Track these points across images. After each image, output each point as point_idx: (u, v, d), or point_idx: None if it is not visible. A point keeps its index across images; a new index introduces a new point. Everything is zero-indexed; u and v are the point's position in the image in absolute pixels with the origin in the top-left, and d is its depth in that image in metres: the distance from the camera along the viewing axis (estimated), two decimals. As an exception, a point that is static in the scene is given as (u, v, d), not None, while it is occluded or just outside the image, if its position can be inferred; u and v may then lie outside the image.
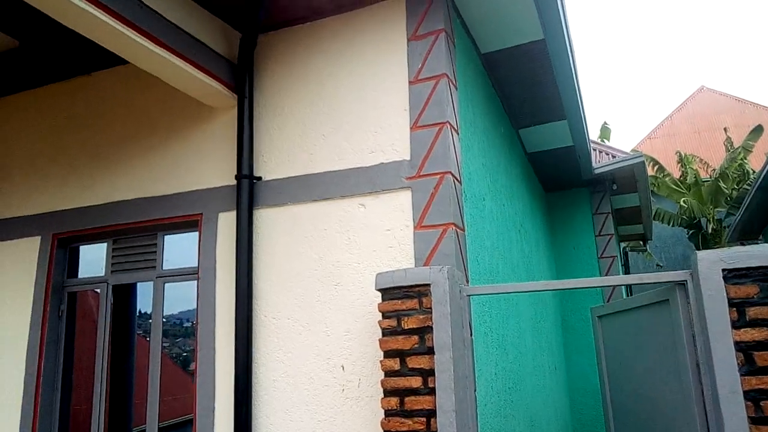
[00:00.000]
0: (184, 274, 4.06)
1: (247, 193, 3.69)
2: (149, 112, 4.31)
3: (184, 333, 5.65)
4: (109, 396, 4.20)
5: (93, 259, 4.47)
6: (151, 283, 4.15)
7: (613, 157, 9.08)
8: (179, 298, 4.53)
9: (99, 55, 3.99)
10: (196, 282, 3.90)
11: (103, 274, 4.33)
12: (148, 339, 4.92)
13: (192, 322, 5.06)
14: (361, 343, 3.34)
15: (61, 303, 4.36)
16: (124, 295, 4.55)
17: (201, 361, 3.68)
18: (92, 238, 4.38)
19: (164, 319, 4.79)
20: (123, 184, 4.25)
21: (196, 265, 3.93)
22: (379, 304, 2.97)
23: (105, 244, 4.37)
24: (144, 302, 4.63)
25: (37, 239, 4.42)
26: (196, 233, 3.99)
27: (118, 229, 4.21)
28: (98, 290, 4.35)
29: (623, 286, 8.07)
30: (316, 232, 3.59)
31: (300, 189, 3.68)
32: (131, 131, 4.34)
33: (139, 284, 4.49)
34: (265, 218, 3.74)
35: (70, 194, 4.40)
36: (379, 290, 2.97)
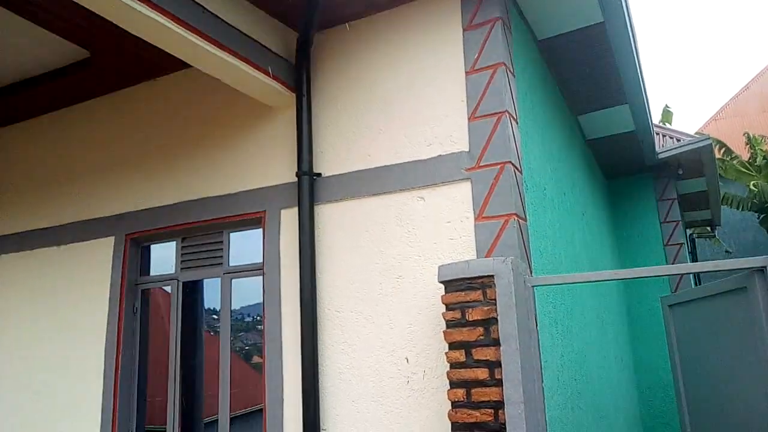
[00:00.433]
0: (249, 270, 4.17)
1: (308, 189, 3.76)
2: (212, 114, 4.45)
3: (245, 328, 5.80)
4: (181, 388, 4.38)
5: (163, 258, 4.67)
6: (219, 279, 4.29)
7: (678, 140, 8.73)
8: (241, 294, 4.67)
9: (163, 60, 4.14)
10: (261, 277, 4.02)
11: (173, 271, 4.51)
12: (212, 333, 5.11)
13: (253, 317, 5.21)
14: (425, 335, 3.35)
15: (135, 300, 4.57)
16: (192, 291, 4.72)
17: (268, 354, 3.79)
18: (162, 237, 4.57)
19: (216, 313, 4.95)
20: (190, 184, 4.40)
21: (261, 260, 4.03)
22: (442, 296, 2.97)
23: (174, 243, 4.54)
24: (210, 298, 4.80)
25: (111, 239, 4.64)
26: (260, 230, 4.10)
27: (186, 227, 4.37)
28: (166, 288, 4.54)
29: (691, 275, 7.77)
30: (375, 226, 3.63)
31: (359, 184, 3.72)
32: (195, 133, 4.49)
33: (205, 281, 4.67)
34: (326, 213, 3.80)
35: (141, 196, 4.59)
36: (442, 282, 2.98)
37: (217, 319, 5.72)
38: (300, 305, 3.65)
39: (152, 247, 4.74)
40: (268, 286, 3.90)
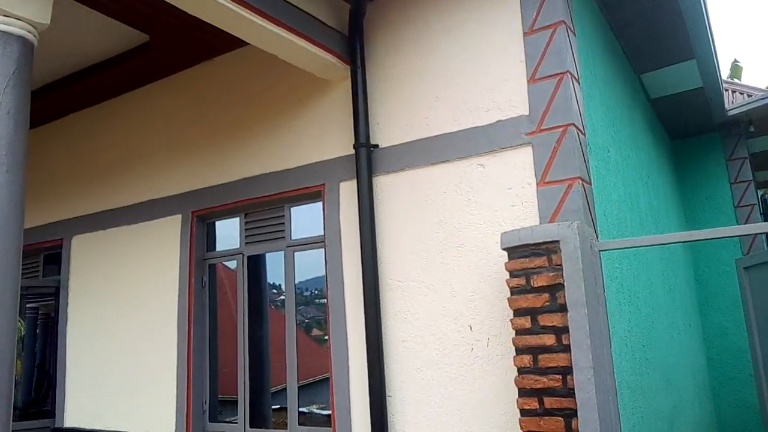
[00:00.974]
0: (311, 243, 4.25)
1: (365, 161, 3.77)
2: (268, 91, 4.50)
3: (304, 301, 5.91)
4: (250, 359, 4.54)
5: (228, 233, 4.81)
6: (282, 252, 4.39)
7: (748, 96, 8.25)
8: (301, 269, 4.76)
9: (218, 40, 4.21)
10: (322, 250, 4.09)
11: (238, 246, 4.65)
12: (273, 307, 5.25)
13: (311, 291, 5.30)
14: (488, 303, 3.34)
15: (203, 274, 4.74)
16: (256, 265, 4.85)
17: (333, 323, 3.87)
18: (226, 213, 4.70)
19: (277, 288, 5.06)
20: (250, 161, 4.49)
21: (322, 233, 4.10)
22: (505, 263, 2.95)
23: (238, 219, 4.67)
24: (272, 272, 4.92)
25: (179, 217, 4.81)
26: (320, 203, 4.16)
27: (249, 203, 4.47)
28: (229, 264, 4.68)
29: (764, 237, 7.38)
30: (435, 196, 3.61)
31: (416, 153, 3.70)
32: (253, 110, 4.57)
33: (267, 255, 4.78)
34: (385, 184, 3.81)
35: (205, 174, 4.73)
36: (505, 249, 2.95)
37: (277, 294, 5.88)
38: (362, 276, 3.70)
39: (217, 223, 4.89)
40: (330, 258, 3.97)
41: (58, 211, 5.68)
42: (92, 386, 5.13)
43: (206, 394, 4.58)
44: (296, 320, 4.30)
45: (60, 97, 5.42)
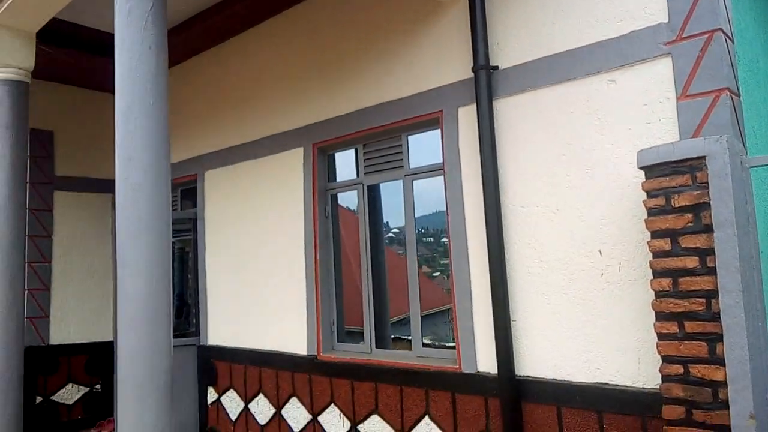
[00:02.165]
0: (430, 171, 4.25)
1: (485, 84, 3.66)
2: (384, 18, 4.45)
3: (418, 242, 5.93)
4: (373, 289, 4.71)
5: (348, 164, 4.93)
6: (401, 182, 4.44)
7: None
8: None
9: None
10: (441, 178, 4.08)
11: (357, 176, 4.75)
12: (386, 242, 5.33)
13: (419, 230, 5.30)
14: (619, 227, 3.20)
15: (326, 204, 4.92)
16: (373, 197, 4.93)
17: (454, 249, 3.90)
18: (345, 144, 4.80)
19: (385, 225, 5.12)
20: (367, 92, 4.51)
21: (441, 161, 4.08)
22: (642, 182, 2.78)
23: (356, 149, 4.75)
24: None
25: (300, 150, 4.99)
26: (437, 131, 4.12)
27: (367, 134, 4.53)
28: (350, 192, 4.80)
29: None
30: (561, 116, 3.45)
31: (540, 73, 3.52)
32: (368, 40, 4.54)
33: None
34: (506, 107, 3.69)
35: (324, 107, 4.82)
36: (642, 168, 2.78)
37: (387, 231, 5.96)
38: (483, 202, 3.66)
39: (337, 154, 5.01)
40: (450, 185, 3.95)
41: (191, 149, 6.09)
42: (230, 309, 5.60)
43: (333, 316, 4.85)
44: (416, 244, 4.35)
45: (187, 38, 5.67)
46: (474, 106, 3.76)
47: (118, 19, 2.82)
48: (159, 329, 2.72)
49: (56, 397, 6.70)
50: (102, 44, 5.82)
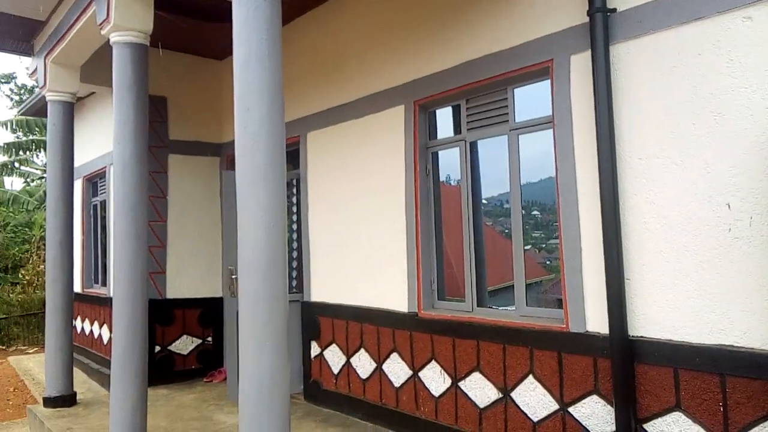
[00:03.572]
0: (537, 125, 4.11)
1: (602, 27, 3.45)
2: (488, -34, 4.29)
3: (506, 213, 5.75)
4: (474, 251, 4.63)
5: (449, 121, 4.86)
6: (505, 137, 4.32)
7: None
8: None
9: None
10: (549, 131, 3.93)
11: (460, 133, 4.68)
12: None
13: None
14: (751, 178, 2.94)
15: (427, 162, 4.89)
16: (473, 157, 4.82)
17: (563, 205, 3.76)
18: (447, 100, 4.73)
19: (485, 201, 4.99)
20: (469, 44, 4.40)
21: (549, 114, 3.92)
22: (785, 125, 2.53)
23: (459, 105, 4.67)
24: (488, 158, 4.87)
25: (401, 107, 4.97)
26: (546, 82, 3.96)
27: (469, 88, 4.43)
28: (453, 148, 4.74)
29: None
30: (687, 59, 3.19)
31: (663, 13, 3.27)
32: (472, -10, 4.41)
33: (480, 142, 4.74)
34: (623, 53, 3.47)
35: (425, 62, 4.76)
36: (785, 110, 2.52)
37: (487, 204, 5.78)
38: (597, 154, 3.49)
39: (438, 111, 4.95)
40: (560, 138, 3.80)
41: (294, 111, 6.23)
42: (331, 266, 5.75)
43: (434, 274, 4.85)
44: (521, 200, 4.24)
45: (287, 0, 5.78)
46: (588, 53, 3.56)
47: (235, -27, 2.90)
48: (276, 274, 2.83)
49: (172, 347, 7.23)
50: (213, 10, 6.06)
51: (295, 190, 6.53)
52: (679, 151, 3.23)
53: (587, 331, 3.62)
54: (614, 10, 3.47)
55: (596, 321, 3.59)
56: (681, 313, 3.21)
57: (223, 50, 7.22)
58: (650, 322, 3.34)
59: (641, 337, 3.37)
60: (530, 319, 4.06)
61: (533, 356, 3.91)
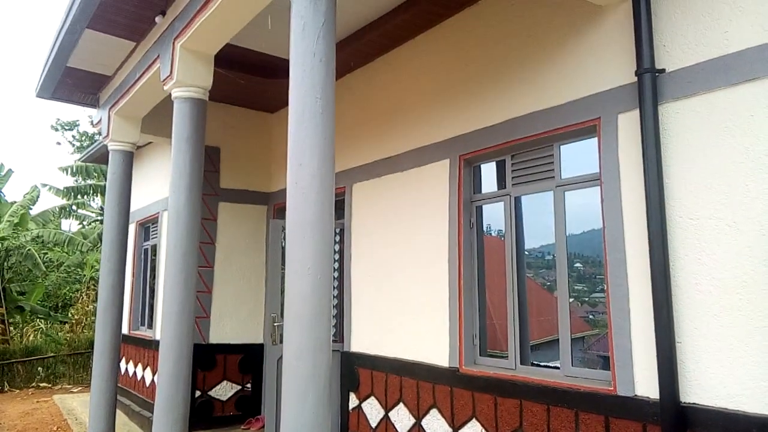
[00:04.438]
0: (583, 182, 4.10)
1: (650, 87, 3.46)
2: (533, 28, 4.40)
3: (547, 265, 5.70)
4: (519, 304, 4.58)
5: (493, 176, 4.89)
6: (551, 193, 4.31)
7: None
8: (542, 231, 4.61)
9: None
10: (596, 188, 3.91)
11: (505, 188, 4.70)
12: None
13: (553, 254, 5.09)
14: (811, 242, 2.85)
15: (471, 216, 4.91)
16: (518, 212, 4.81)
17: (611, 265, 3.70)
18: (492, 155, 4.77)
19: (527, 252, 4.95)
20: (516, 101, 4.47)
21: (596, 171, 3.91)
22: (844, 190, 2.47)
23: (504, 160, 4.71)
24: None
25: (447, 162, 5.04)
26: (593, 139, 3.97)
27: (516, 143, 4.47)
28: (497, 203, 4.74)
29: None
30: (738, 120, 3.17)
31: (714, 74, 3.27)
32: (518, 49, 4.51)
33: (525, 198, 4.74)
34: (672, 113, 3.46)
35: (471, 117, 4.85)
36: (844, 174, 2.46)
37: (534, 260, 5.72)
38: (646, 213, 3.45)
39: (483, 166, 5.00)
40: (607, 196, 3.77)
41: (341, 162, 6.38)
42: (372, 317, 5.75)
43: (476, 329, 4.80)
44: (567, 256, 4.19)
45: (340, 57, 5.98)
46: (636, 113, 3.58)
47: (294, 34, 3.06)
48: (321, 326, 2.86)
49: (213, 393, 7.28)
50: (267, 67, 6.35)
51: (338, 239, 6.61)
52: (732, 212, 3.16)
53: (636, 396, 3.50)
54: (663, 70, 3.50)
55: (646, 385, 3.46)
56: (736, 379, 3.08)
57: (275, 104, 7.53)
58: (703, 388, 3.21)
59: (693, 403, 3.23)
60: (576, 380, 3.94)
61: (579, 419, 3.78)
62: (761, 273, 3.02)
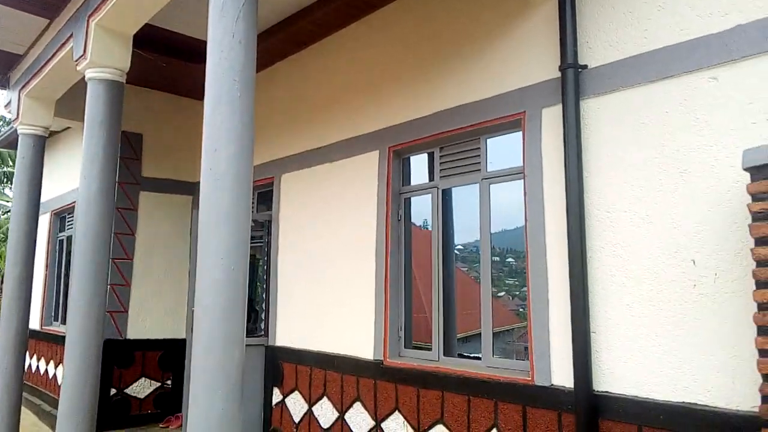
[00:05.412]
0: (508, 175, 4.13)
1: (573, 83, 3.52)
2: (462, 22, 4.40)
3: (479, 259, 5.79)
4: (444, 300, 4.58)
5: (422, 168, 4.87)
6: (477, 185, 4.33)
7: None
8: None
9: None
10: (520, 182, 3.95)
11: (433, 180, 4.68)
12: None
13: (493, 248, 5.15)
14: (717, 234, 2.97)
15: (399, 208, 4.87)
16: (446, 203, 4.84)
17: (532, 256, 3.75)
18: (421, 147, 4.75)
19: (461, 246, 4.98)
20: (445, 94, 4.46)
21: (520, 164, 3.95)
22: (748, 185, 2.55)
23: (433, 152, 4.69)
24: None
25: (376, 153, 4.98)
26: (519, 133, 4.00)
27: (444, 136, 4.46)
28: (425, 195, 4.73)
29: None
30: (654, 117, 3.26)
31: (633, 71, 3.35)
32: (447, 43, 4.50)
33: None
34: (593, 108, 3.53)
35: (401, 109, 4.81)
36: (748, 169, 2.55)
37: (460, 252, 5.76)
38: (566, 207, 3.50)
39: (412, 158, 4.97)
40: (530, 189, 3.81)
41: (269, 152, 6.22)
42: (298, 310, 5.62)
43: (401, 322, 4.76)
44: (490, 249, 4.22)
45: (268, 46, 5.83)
46: (559, 107, 3.63)
47: (212, 14, 2.91)
48: (234, 320, 2.72)
49: (129, 390, 6.94)
50: (192, 51, 6.08)
51: (266, 231, 6.44)
52: (646, 206, 3.25)
53: (552, 385, 3.55)
54: (585, 66, 3.56)
55: (562, 375, 3.52)
56: (646, 368, 3.17)
57: (202, 89, 7.20)
58: (616, 377, 3.29)
59: (606, 392, 3.31)
60: (496, 370, 3.97)
61: (498, 409, 3.81)
62: (671, 265, 3.12)
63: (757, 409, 2.71)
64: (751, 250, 2.52)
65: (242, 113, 2.88)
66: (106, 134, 4.44)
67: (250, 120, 2.92)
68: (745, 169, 2.57)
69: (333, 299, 5.24)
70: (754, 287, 2.50)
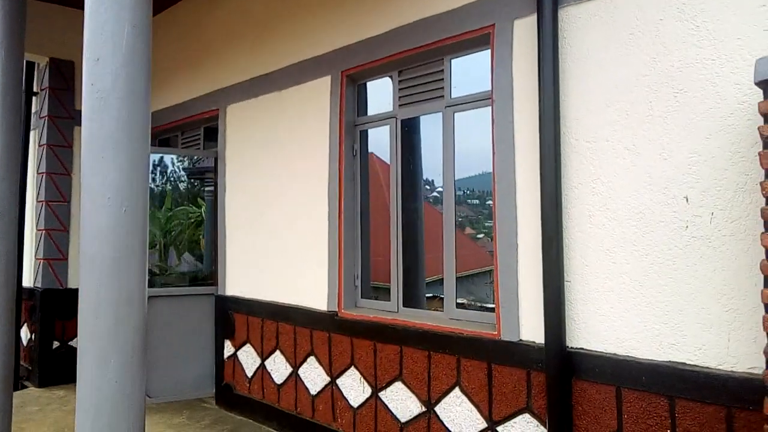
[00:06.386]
0: (475, 101, 3.58)
1: (550, -13, 2.94)
2: None
3: (457, 200, 5.38)
4: (404, 240, 4.12)
5: (383, 97, 4.28)
6: (440, 114, 3.78)
7: None
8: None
9: None
10: (488, 108, 3.40)
11: (390, 109, 4.11)
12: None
13: (464, 191, 4.67)
14: (715, 167, 2.49)
15: (354, 141, 4.31)
16: (410, 133, 4.33)
17: (499, 195, 3.26)
18: (378, 71, 4.14)
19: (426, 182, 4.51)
20: (404, 6, 3.83)
21: (489, 89, 3.40)
22: (760, 103, 2.05)
23: (390, 78, 4.10)
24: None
25: (328, 79, 4.36)
26: (488, 51, 3.43)
27: (403, 57, 3.86)
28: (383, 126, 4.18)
29: None
30: (645, 26, 2.71)
31: (621, -29, 2.78)
32: (407, -56, 3.84)
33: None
34: (574, 18, 2.97)
35: (355, 26, 4.17)
36: (760, 84, 2.05)
37: (430, 190, 5.32)
38: (539, 135, 2.99)
39: (369, 84, 4.37)
40: (498, 117, 3.28)
41: (213, 81, 5.55)
42: (249, 258, 5.12)
43: (358, 269, 4.30)
44: (455, 186, 3.72)
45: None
46: (534, 18, 3.06)
47: None
48: (129, 273, 2.19)
49: (74, 343, 6.45)
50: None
51: (212, 169, 5.84)
52: (632, 133, 2.75)
53: (521, 340, 3.14)
54: (564, -33, 2.96)
55: (532, 329, 3.10)
56: (627, 323, 2.75)
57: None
58: (592, 332, 2.88)
59: (581, 349, 2.90)
60: (460, 323, 3.55)
61: (461, 366, 3.41)
62: (660, 203, 2.66)
63: (755, 371, 2.32)
64: (760, 183, 2.04)
65: (134, 12, 2.25)
66: (3, 55, 3.73)
67: (146, 22, 2.29)
68: (758, 83, 2.06)
69: (283, 245, 4.74)
70: (763, 229, 2.03)
